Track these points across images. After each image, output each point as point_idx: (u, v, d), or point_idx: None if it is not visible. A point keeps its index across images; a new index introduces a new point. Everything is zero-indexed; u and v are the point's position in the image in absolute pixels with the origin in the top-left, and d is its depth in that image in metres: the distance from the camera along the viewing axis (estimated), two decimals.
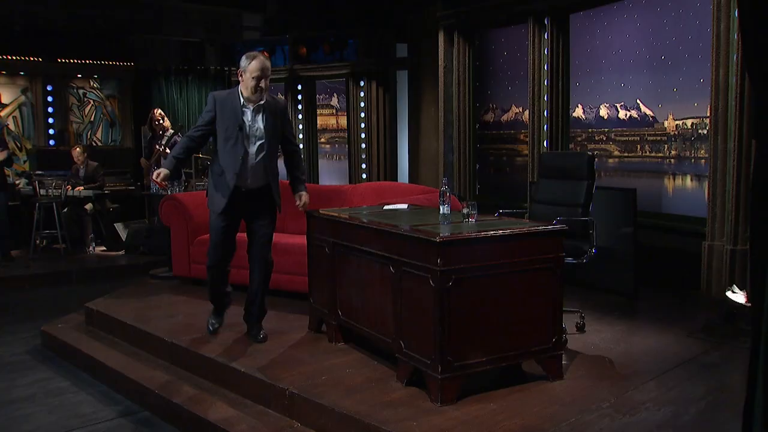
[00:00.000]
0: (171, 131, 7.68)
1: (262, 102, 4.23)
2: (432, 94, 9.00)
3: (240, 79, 4.23)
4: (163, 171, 4.26)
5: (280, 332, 4.52)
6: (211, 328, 4.57)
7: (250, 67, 4.16)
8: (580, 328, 4.46)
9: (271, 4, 10.01)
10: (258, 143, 4.25)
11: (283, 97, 3.81)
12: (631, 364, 3.87)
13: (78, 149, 9.10)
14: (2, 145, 8.31)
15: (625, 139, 6.52)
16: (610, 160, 6.68)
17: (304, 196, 4.45)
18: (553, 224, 3.60)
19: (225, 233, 4.30)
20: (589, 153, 4.70)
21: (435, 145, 8.92)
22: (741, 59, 4.96)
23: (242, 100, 4.22)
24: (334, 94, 10.89)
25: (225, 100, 4.26)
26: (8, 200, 8.42)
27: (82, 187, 8.83)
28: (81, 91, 10.93)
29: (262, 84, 4.18)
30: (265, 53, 10.28)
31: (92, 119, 11.08)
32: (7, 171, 8.80)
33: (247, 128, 4.22)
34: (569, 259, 4.12)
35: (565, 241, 3.59)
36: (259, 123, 4.24)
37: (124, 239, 8.92)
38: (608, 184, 6.37)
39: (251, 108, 4.23)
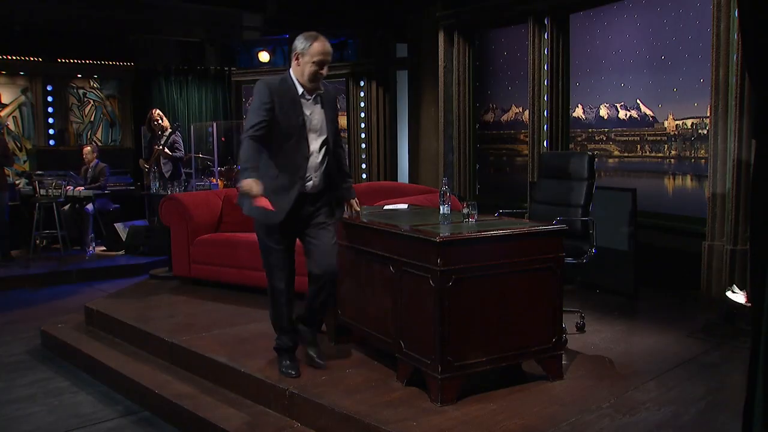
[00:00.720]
0: (170, 130, 7.71)
1: (320, 91, 3.64)
2: (432, 94, 9.00)
3: (296, 63, 3.56)
4: (255, 187, 3.35)
5: None
6: (293, 372, 3.71)
7: (312, 49, 3.50)
8: (580, 328, 4.46)
9: (271, 4, 9.97)
10: (321, 139, 3.66)
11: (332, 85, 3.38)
12: (631, 364, 3.87)
13: (88, 147, 9.28)
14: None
15: (625, 139, 6.52)
16: (610, 160, 6.68)
17: (356, 205, 3.93)
18: (553, 224, 3.61)
19: (288, 252, 3.70)
20: (589, 153, 4.70)
21: (435, 145, 8.92)
22: (741, 59, 4.96)
23: (300, 89, 3.59)
24: None
25: (281, 89, 3.56)
26: (8, 200, 8.43)
27: (81, 187, 8.85)
28: (81, 91, 10.94)
29: (324, 70, 3.55)
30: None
31: (92, 119, 11.09)
32: (7, 171, 8.81)
33: (309, 122, 3.62)
34: (569, 259, 4.11)
35: (565, 241, 3.59)
36: (320, 115, 3.66)
37: (124, 239, 8.92)
38: (608, 184, 6.37)
39: (310, 98, 3.62)
